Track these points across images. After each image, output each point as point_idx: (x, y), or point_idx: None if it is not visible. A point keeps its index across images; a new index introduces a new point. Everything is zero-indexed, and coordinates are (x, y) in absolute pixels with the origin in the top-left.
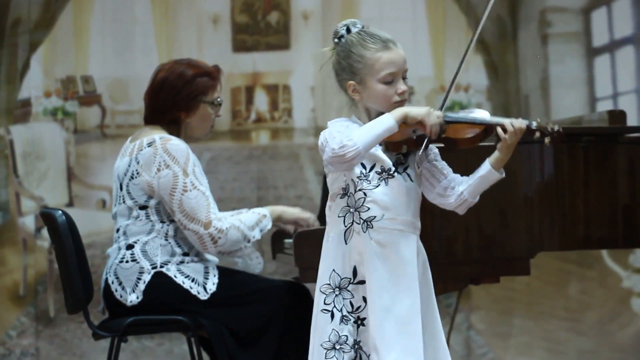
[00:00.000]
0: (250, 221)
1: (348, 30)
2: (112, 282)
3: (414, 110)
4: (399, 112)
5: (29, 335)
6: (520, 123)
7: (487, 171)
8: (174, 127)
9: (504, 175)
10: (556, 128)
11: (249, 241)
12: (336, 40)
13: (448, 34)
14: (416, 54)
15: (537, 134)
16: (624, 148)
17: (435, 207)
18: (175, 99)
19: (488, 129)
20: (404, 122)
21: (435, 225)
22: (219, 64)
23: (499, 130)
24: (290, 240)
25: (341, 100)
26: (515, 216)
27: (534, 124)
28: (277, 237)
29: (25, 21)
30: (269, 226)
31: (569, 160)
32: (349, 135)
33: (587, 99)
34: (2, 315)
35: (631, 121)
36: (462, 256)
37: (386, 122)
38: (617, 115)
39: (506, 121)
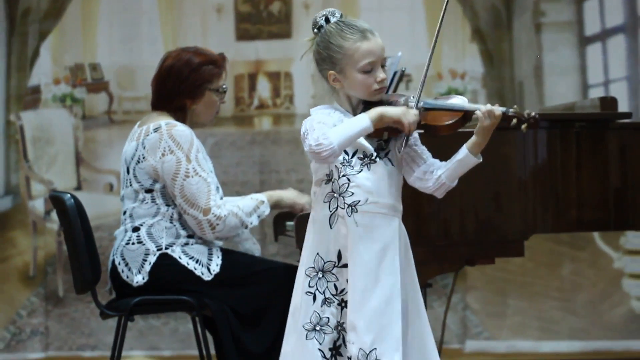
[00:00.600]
0: (248, 207)
1: (327, 21)
2: (119, 264)
3: (390, 111)
4: (375, 112)
5: (39, 315)
6: (497, 108)
7: (464, 155)
8: (180, 114)
9: (481, 159)
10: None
11: (246, 227)
12: (315, 30)
13: (444, 22)
14: (414, 42)
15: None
16: (615, 133)
17: None
18: (181, 86)
19: (466, 115)
20: (380, 121)
21: (432, 209)
22: (214, 48)
23: (477, 113)
24: (292, 223)
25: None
26: (510, 200)
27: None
28: (278, 220)
29: (35, 10)
30: (267, 212)
31: (562, 146)
32: (325, 133)
33: (579, 86)
34: (13, 296)
35: (622, 107)
36: (458, 238)
37: (362, 123)
38: (609, 102)
39: (483, 107)
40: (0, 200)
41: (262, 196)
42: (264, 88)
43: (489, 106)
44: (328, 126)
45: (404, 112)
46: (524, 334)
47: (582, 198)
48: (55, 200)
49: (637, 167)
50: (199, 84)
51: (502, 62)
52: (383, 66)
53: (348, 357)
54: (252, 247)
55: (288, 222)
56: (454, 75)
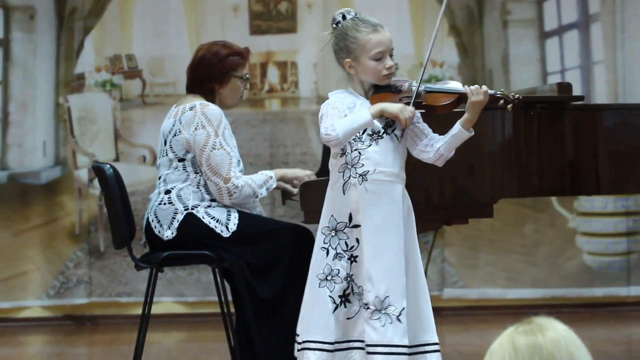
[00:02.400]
0: (259, 181)
1: (344, 17)
2: (152, 220)
3: (390, 107)
4: (376, 109)
5: (84, 267)
6: (485, 88)
7: (458, 130)
8: (210, 96)
9: (473, 133)
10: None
11: (257, 197)
12: (334, 25)
13: (426, 20)
14: (399, 36)
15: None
16: (569, 114)
17: (417, 162)
18: (211, 72)
19: (461, 96)
20: (379, 116)
21: (415, 177)
22: (248, 47)
23: (468, 92)
24: (296, 189)
25: (339, 74)
26: (481, 169)
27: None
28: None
29: (80, 10)
30: (274, 186)
31: (525, 124)
32: (333, 124)
33: (539, 73)
34: (61, 250)
35: (576, 92)
36: (437, 202)
37: (364, 118)
38: (565, 87)
39: (473, 87)
40: (51, 170)
41: (270, 172)
42: (273, 75)
43: (477, 86)
44: (340, 111)
45: (401, 109)
46: (492, 283)
47: (542, 168)
48: (97, 170)
49: (588, 142)
50: (226, 71)
51: (474, 53)
52: (391, 55)
53: (364, 303)
54: (259, 211)
55: (294, 188)
56: (434, 64)
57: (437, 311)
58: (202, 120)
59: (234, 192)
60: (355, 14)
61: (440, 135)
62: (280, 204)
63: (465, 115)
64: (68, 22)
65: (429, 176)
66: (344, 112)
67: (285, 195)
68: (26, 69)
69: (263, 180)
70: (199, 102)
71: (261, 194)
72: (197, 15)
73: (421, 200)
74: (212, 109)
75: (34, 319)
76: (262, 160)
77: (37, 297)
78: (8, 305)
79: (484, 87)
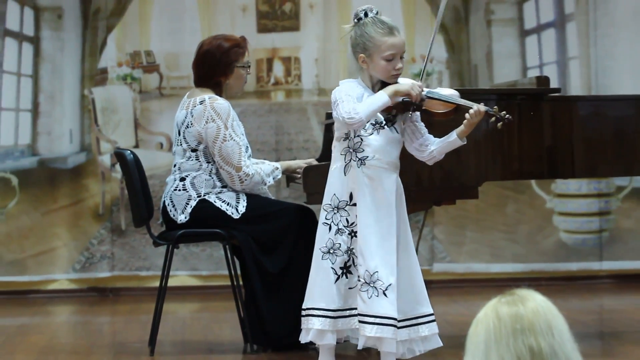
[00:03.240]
0: (267, 170)
1: (366, 14)
2: (168, 205)
3: (402, 86)
4: (391, 89)
5: (107, 243)
6: (482, 108)
7: (453, 139)
8: (217, 88)
9: (465, 142)
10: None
11: (265, 184)
12: (355, 20)
13: (417, 18)
14: None
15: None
16: (547, 104)
17: None
18: (216, 66)
19: (457, 109)
20: (395, 95)
21: (407, 162)
22: (244, 35)
23: (470, 112)
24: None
25: (338, 69)
26: (467, 155)
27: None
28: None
29: (104, 10)
30: (280, 176)
31: (507, 113)
32: (355, 108)
33: (520, 68)
34: (86, 229)
35: (553, 84)
36: (427, 185)
37: (382, 99)
38: (543, 80)
39: (475, 106)
40: (77, 155)
41: (277, 164)
42: (278, 69)
43: (477, 106)
44: (353, 98)
45: (412, 86)
46: (478, 258)
47: (522, 154)
48: (119, 155)
49: (564, 130)
50: (229, 63)
51: (461, 49)
52: (401, 57)
53: (358, 276)
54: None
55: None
56: (424, 60)
57: (427, 284)
58: (211, 114)
59: (245, 180)
60: (377, 12)
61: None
62: (285, 187)
63: (462, 128)
64: (92, 21)
65: (419, 162)
66: (354, 99)
67: (289, 178)
68: (54, 64)
69: (270, 170)
70: (207, 96)
71: (269, 182)
72: (209, 14)
73: (413, 183)
74: (220, 103)
75: (61, 291)
76: (268, 146)
77: (65, 271)
78: (38, 278)
79: (482, 107)
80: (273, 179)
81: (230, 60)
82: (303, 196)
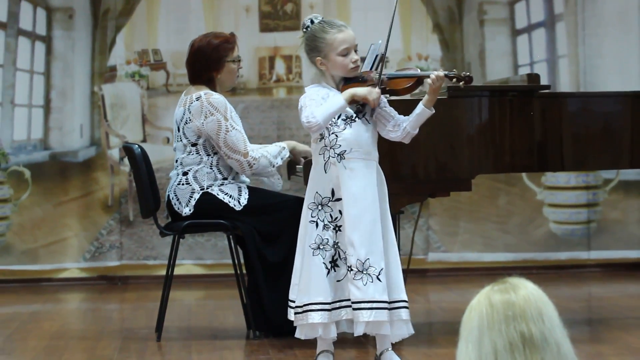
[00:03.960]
0: (274, 152)
1: (312, 22)
2: (172, 198)
3: (359, 91)
4: (348, 94)
5: (115, 234)
6: (440, 73)
7: (421, 109)
8: (211, 84)
9: (433, 111)
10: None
11: (273, 166)
12: (304, 30)
13: (412, 18)
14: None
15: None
16: (538, 100)
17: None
18: (207, 62)
19: (419, 80)
20: (352, 100)
21: (404, 155)
22: (244, 38)
23: (427, 80)
24: (301, 167)
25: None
26: (461, 149)
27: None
28: (291, 164)
29: (113, 10)
30: (287, 155)
31: (499, 109)
32: (313, 112)
33: (511, 66)
34: (96, 219)
35: (543, 81)
36: (423, 177)
37: (339, 103)
38: (533, 77)
39: (431, 73)
40: (87, 149)
41: (283, 144)
42: (280, 67)
43: (435, 72)
44: (317, 102)
45: (369, 92)
46: (471, 248)
47: (514, 148)
48: (127, 149)
49: (553, 125)
50: (220, 59)
51: (455, 48)
52: (355, 50)
53: (348, 266)
54: (276, 181)
55: (298, 166)
56: (420, 58)
57: (423, 272)
58: (209, 109)
59: (254, 164)
60: (322, 18)
61: (404, 116)
62: (287, 179)
63: (426, 97)
64: (102, 21)
65: (415, 155)
66: (320, 102)
67: (290, 171)
68: (66, 62)
69: (277, 151)
70: (203, 92)
71: (277, 164)
72: (214, 15)
73: (409, 176)
74: (216, 97)
75: (72, 279)
76: (270, 141)
77: (75, 260)
78: (50, 267)
79: (440, 73)
80: (281, 159)
81: (220, 55)
82: (303, 189)
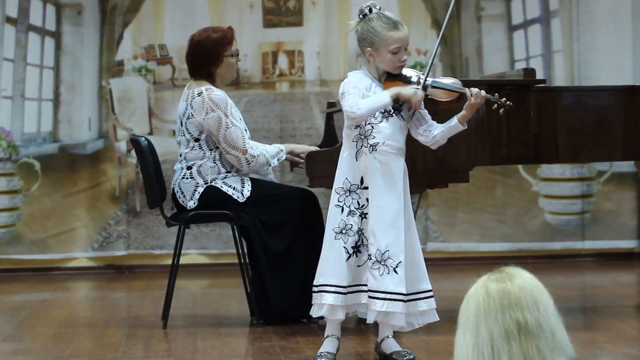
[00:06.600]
0: (272, 152)
1: (370, 10)
2: (177, 192)
3: (405, 91)
4: (394, 92)
5: (123, 224)
6: (483, 93)
7: (454, 124)
8: (210, 78)
9: (466, 127)
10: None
11: (270, 165)
12: (361, 16)
13: (412, 15)
14: None
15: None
16: (533, 94)
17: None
18: (205, 57)
19: (461, 96)
20: (397, 98)
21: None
22: (247, 33)
23: (468, 94)
24: (302, 161)
25: (339, 61)
26: (459, 141)
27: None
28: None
29: (120, 7)
30: (284, 157)
31: (507, 99)
32: (358, 103)
33: (508, 60)
34: (104, 210)
35: (538, 76)
36: (422, 169)
37: (384, 100)
38: (529, 72)
39: (473, 89)
40: (95, 142)
41: (282, 146)
42: (283, 62)
43: (476, 89)
44: (359, 90)
45: (414, 93)
46: (468, 238)
47: (510, 140)
48: (134, 142)
49: (548, 118)
50: (218, 53)
51: (453, 43)
52: (406, 50)
53: (368, 254)
54: (269, 177)
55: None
56: (419, 53)
57: None
58: (210, 105)
59: (252, 161)
60: (380, 8)
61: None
62: (289, 171)
63: (463, 113)
64: (110, 17)
65: (414, 147)
66: (361, 91)
67: (293, 164)
68: (74, 56)
69: (275, 152)
70: (205, 87)
71: (273, 163)
72: (218, 10)
73: (408, 168)
74: (217, 93)
75: (80, 268)
76: (273, 134)
77: (84, 250)
78: (59, 256)
79: (483, 92)
80: (278, 160)
81: (219, 50)
82: (306, 180)
